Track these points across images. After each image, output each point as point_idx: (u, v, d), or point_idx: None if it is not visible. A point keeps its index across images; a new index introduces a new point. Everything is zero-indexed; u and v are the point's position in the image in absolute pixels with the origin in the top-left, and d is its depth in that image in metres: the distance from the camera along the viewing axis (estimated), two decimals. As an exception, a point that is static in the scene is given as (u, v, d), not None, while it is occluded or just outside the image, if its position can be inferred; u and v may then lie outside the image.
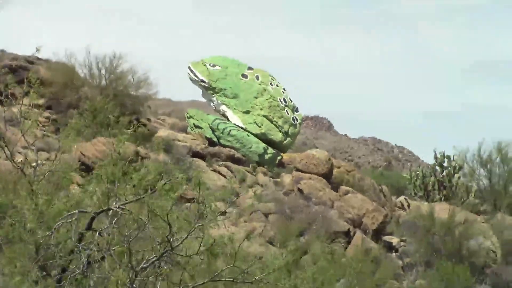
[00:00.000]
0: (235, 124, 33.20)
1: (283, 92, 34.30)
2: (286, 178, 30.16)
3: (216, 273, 9.04)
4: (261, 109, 33.29)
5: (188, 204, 15.44)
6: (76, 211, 8.73)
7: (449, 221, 26.91)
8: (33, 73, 10.12)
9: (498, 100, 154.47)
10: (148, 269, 8.87)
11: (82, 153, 24.69)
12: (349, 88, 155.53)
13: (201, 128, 33.53)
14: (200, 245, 8.73)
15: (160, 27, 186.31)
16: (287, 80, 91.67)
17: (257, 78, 34.19)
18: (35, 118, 9.70)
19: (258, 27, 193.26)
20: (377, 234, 27.81)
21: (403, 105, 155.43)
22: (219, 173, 29.20)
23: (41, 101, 26.10)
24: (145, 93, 34.40)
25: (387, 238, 28.07)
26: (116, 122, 9.87)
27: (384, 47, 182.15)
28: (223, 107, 33.87)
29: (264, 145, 32.59)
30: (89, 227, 8.84)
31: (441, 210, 28.29)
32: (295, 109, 34.44)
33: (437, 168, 37.68)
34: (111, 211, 8.77)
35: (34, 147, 9.85)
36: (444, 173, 37.16)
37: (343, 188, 29.67)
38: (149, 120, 36.08)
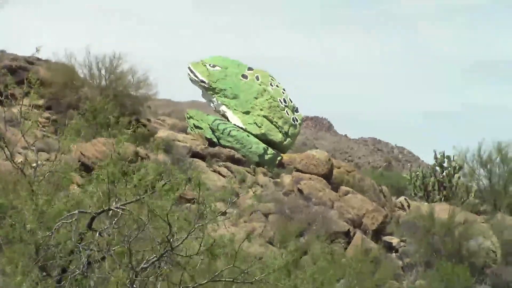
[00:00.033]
0: (235, 125, 33.21)
1: (283, 93, 34.31)
2: (286, 179, 30.16)
3: (216, 274, 9.04)
4: (261, 110, 33.30)
5: (188, 204, 15.46)
6: (76, 211, 8.73)
7: (449, 222, 26.91)
8: (33, 74, 10.12)
9: (498, 100, 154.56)
10: (148, 269, 8.87)
11: (82, 153, 24.70)
12: (349, 88, 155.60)
13: (201, 128, 33.53)
14: (200, 245, 8.73)
15: (160, 27, 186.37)
16: (287, 80, 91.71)
17: (257, 78, 34.19)
18: (35, 119, 9.70)
19: (258, 27, 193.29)
20: (377, 234, 27.81)
21: (403, 105, 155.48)
22: (219, 173, 29.21)
23: (41, 102, 26.10)
24: (145, 94, 34.42)
25: (387, 238, 28.07)
26: (116, 122, 9.87)
27: (384, 47, 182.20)
28: (223, 108, 33.88)
29: (264, 145, 32.59)
30: (89, 228, 8.84)
31: (441, 210, 28.29)
32: (295, 110, 34.45)
33: (437, 168, 37.67)
34: (111, 211, 8.77)
35: (34, 147, 9.85)
36: (444, 173, 37.15)
37: (343, 188, 29.67)
38: (149, 120, 36.09)
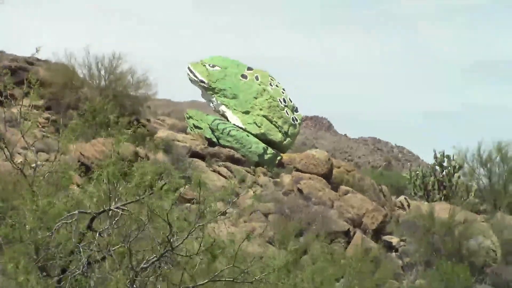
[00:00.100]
0: (234, 125, 33.21)
1: (283, 92, 34.31)
2: (286, 178, 30.16)
3: (216, 273, 9.04)
4: (260, 109, 33.30)
5: (188, 204, 15.46)
6: (76, 211, 8.73)
7: (449, 221, 26.90)
8: (33, 74, 10.11)
9: (498, 100, 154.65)
10: (148, 269, 8.87)
11: (81, 154, 24.70)
12: (349, 88, 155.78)
13: (200, 128, 33.54)
14: (200, 245, 8.73)
15: (160, 27, 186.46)
16: (287, 80, 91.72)
17: (257, 78, 34.20)
18: (34, 119, 9.70)
19: (258, 27, 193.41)
20: (377, 234, 27.81)
21: (403, 105, 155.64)
22: (219, 173, 29.20)
23: (40, 102, 26.10)
24: (144, 94, 34.43)
25: (387, 237, 28.06)
26: (115, 122, 9.87)
27: (384, 47, 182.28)
28: (222, 108, 33.88)
29: (263, 145, 32.59)
30: (89, 228, 8.84)
31: (441, 209, 28.28)
32: (294, 109, 34.46)
33: (437, 167, 37.68)
34: (111, 211, 8.77)
35: (33, 148, 9.85)
36: (444, 172, 37.16)
37: (343, 188, 29.66)
38: (148, 120, 36.09)
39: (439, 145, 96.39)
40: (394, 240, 28.05)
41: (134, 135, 10.31)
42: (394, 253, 27.40)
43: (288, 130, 33.63)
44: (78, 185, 11.60)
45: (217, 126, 32.95)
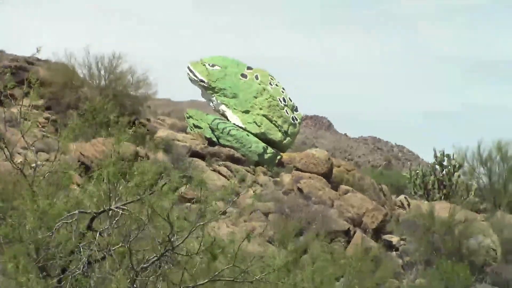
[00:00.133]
0: (234, 124, 33.21)
1: (283, 92, 34.31)
2: (286, 178, 30.16)
3: (216, 273, 9.04)
4: (260, 109, 33.31)
5: (188, 204, 15.47)
6: (76, 211, 8.73)
7: (449, 220, 26.91)
8: (33, 74, 10.11)
9: (498, 100, 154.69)
10: (148, 269, 8.88)
11: (81, 153, 24.72)
12: (349, 88, 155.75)
13: (200, 128, 33.53)
14: (201, 245, 8.73)
15: (160, 27, 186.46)
16: (287, 80, 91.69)
17: (257, 77, 34.20)
18: (35, 119, 9.70)
19: (258, 27, 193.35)
20: (377, 233, 27.81)
21: (403, 105, 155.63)
22: (219, 173, 29.20)
23: (40, 102, 26.11)
24: (144, 93, 34.45)
25: (387, 237, 28.06)
26: (115, 122, 9.87)
27: (384, 47, 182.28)
28: (222, 107, 33.88)
29: (263, 144, 32.59)
30: (89, 227, 8.85)
31: (441, 209, 28.28)
32: (294, 109, 34.45)
33: (437, 167, 37.66)
34: (111, 211, 8.77)
35: (33, 147, 9.85)
36: (444, 172, 37.14)
37: (343, 187, 29.66)
38: (148, 120, 36.10)
39: (439, 144, 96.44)
40: (394, 239, 28.05)
41: (135, 135, 10.31)
42: (394, 252, 27.41)
43: (288, 130, 33.63)
44: (78, 185, 11.60)
45: (217, 126, 32.95)
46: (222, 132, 32.74)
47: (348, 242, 25.81)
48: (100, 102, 29.09)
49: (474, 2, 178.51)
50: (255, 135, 32.85)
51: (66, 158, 11.28)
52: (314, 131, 76.90)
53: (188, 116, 34.78)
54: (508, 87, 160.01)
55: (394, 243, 27.85)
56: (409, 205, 33.00)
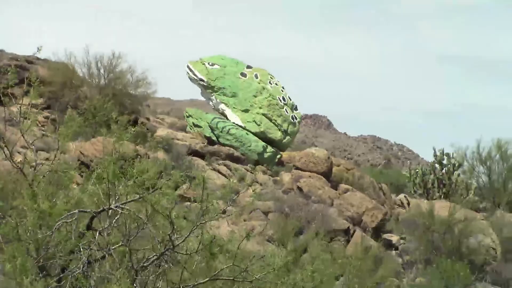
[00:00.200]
0: (234, 123, 33.20)
1: (282, 91, 34.29)
2: (286, 177, 30.15)
3: (216, 273, 9.03)
4: (260, 108, 33.29)
5: (188, 203, 15.46)
6: (76, 210, 8.72)
7: (448, 219, 26.90)
8: (33, 73, 10.10)
9: (498, 100, 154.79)
10: (148, 268, 8.87)
11: (81, 153, 24.71)
12: (349, 88, 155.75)
13: (200, 127, 33.52)
14: (200, 244, 8.72)
15: (160, 27, 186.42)
16: (287, 80, 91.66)
17: (256, 76, 34.18)
18: (34, 118, 9.68)
19: (258, 27, 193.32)
20: (377, 232, 27.81)
21: (403, 104, 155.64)
22: (219, 172, 29.19)
23: (40, 101, 26.10)
24: (144, 92, 34.45)
25: (386, 236, 28.07)
26: (116, 121, 9.85)
27: (384, 47, 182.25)
28: (222, 106, 33.86)
29: (263, 143, 32.58)
30: (89, 227, 8.84)
31: (441, 207, 28.27)
32: (294, 108, 34.43)
33: (437, 165, 37.66)
34: (111, 210, 8.76)
35: (33, 146, 9.83)
36: (444, 170, 37.14)
37: (343, 186, 29.67)
38: (148, 119, 36.08)
39: (438, 144, 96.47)
40: (394, 238, 28.05)
41: (136, 134, 10.29)
42: (394, 251, 27.41)
43: (287, 129, 33.61)
44: (78, 184, 11.59)
45: (216, 125, 32.93)
46: (221, 131, 32.73)
47: (348, 241, 25.81)
48: (99, 101, 29.07)
49: (474, 2, 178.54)
50: (255, 134, 32.84)
51: (66, 157, 11.27)
52: (313, 130, 76.88)
53: (187, 115, 34.77)
54: (508, 86, 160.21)
55: (394, 242, 27.85)
56: (408, 204, 33.00)
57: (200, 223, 8.76)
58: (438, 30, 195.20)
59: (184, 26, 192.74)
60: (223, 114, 33.90)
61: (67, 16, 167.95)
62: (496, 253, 27.21)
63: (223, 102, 33.76)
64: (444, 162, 37.40)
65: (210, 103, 34.73)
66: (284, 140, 33.66)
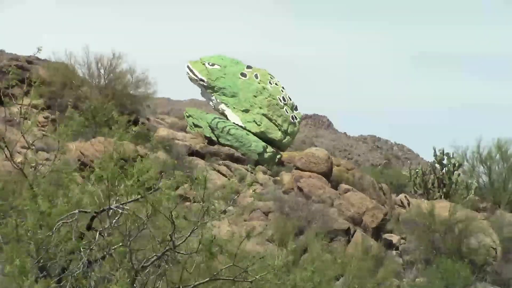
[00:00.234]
0: (234, 123, 33.19)
1: (282, 91, 34.27)
2: (286, 177, 30.14)
3: (216, 273, 9.03)
4: (260, 108, 33.28)
5: (188, 203, 15.46)
6: (76, 211, 8.72)
7: (449, 219, 26.90)
8: (34, 74, 10.11)
9: (498, 100, 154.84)
10: (149, 268, 8.86)
11: (81, 153, 24.71)
12: (348, 87, 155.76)
13: (200, 127, 33.51)
14: (200, 243, 8.71)
15: (160, 27, 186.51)
16: (287, 79, 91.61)
17: (256, 76, 34.17)
18: (35, 119, 9.68)
19: (259, 26, 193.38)
20: (377, 232, 27.80)
21: (403, 104, 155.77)
22: (219, 172, 29.18)
23: (40, 101, 26.07)
24: (144, 92, 34.45)
25: (387, 236, 28.06)
26: (115, 122, 9.82)
27: (384, 46, 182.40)
28: (222, 106, 33.85)
29: (263, 143, 32.57)
30: (89, 227, 8.83)
31: (441, 207, 28.26)
32: (294, 108, 34.42)
33: (437, 165, 37.64)
34: (111, 210, 8.75)
35: (34, 147, 9.83)
36: (444, 170, 37.12)
37: (343, 186, 29.65)
38: (148, 119, 36.08)
39: (439, 144, 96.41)
40: (394, 238, 28.05)
41: (137, 134, 10.29)
42: (394, 251, 27.40)
43: (287, 129, 33.60)
44: (78, 185, 11.57)
45: (216, 125, 32.92)
46: (221, 131, 32.72)
47: (348, 241, 25.79)
48: (98, 101, 29.08)
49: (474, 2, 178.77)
50: (255, 134, 32.83)
51: (66, 157, 11.25)
52: (313, 130, 76.86)
53: (187, 115, 34.76)
54: (508, 82, 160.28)
55: (394, 242, 27.85)
56: (409, 204, 32.99)
57: (202, 223, 8.75)
58: (438, 29, 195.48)
59: (184, 26, 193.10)
60: (223, 114, 33.89)
61: (67, 16, 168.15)
62: (496, 253, 27.21)
63: (223, 102, 33.76)
64: (444, 162, 37.37)
65: (210, 103, 34.72)
66: (284, 140, 33.65)
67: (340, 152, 66.96)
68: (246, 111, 33.34)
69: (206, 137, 32.90)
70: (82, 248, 8.56)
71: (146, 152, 26.69)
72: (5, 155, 9.37)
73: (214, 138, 32.82)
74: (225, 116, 33.70)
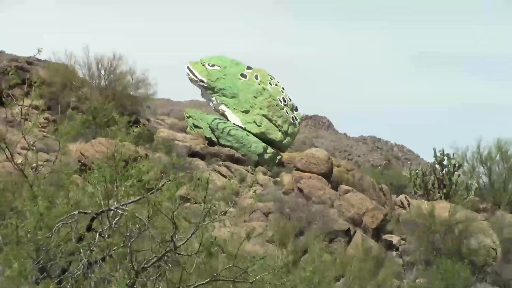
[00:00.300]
0: (234, 124, 33.18)
1: (282, 91, 34.27)
2: (286, 178, 30.13)
3: (216, 274, 9.03)
4: (260, 109, 33.27)
5: (188, 204, 15.46)
6: (76, 212, 8.72)
7: (449, 220, 26.89)
8: (35, 75, 10.12)
9: (498, 100, 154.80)
10: (149, 269, 8.86)
11: (81, 154, 24.71)
12: (348, 87, 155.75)
13: (200, 128, 33.51)
14: (200, 244, 8.71)
15: (160, 27, 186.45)
16: (287, 80, 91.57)
17: (256, 77, 34.17)
18: (36, 120, 9.68)
19: (259, 26, 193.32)
20: (377, 232, 27.80)
21: (403, 104, 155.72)
22: (219, 173, 29.18)
23: (40, 102, 26.05)
24: (144, 93, 34.46)
25: (387, 236, 28.05)
26: (115, 122, 9.85)
27: (384, 46, 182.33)
28: (222, 107, 33.85)
29: (263, 144, 32.57)
30: (89, 228, 8.83)
31: (441, 208, 28.25)
32: (294, 108, 34.42)
33: (437, 166, 37.62)
34: (111, 211, 8.75)
35: (34, 148, 9.83)
36: (444, 171, 37.10)
37: (343, 187, 29.64)
38: (148, 120, 36.08)
39: (439, 144, 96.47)
40: (395, 239, 28.04)
41: (138, 135, 10.29)
42: (394, 252, 27.39)
43: (288, 129, 33.60)
44: (77, 185, 11.57)
45: (217, 126, 32.92)
46: (222, 132, 32.71)
47: (348, 242, 25.77)
48: (100, 102, 29.08)
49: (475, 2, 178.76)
50: (255, 135, 32.83)
51: (66, 158, 11.25)
52: (313, 131, 76.85)
53: (187, 116, 34.76)
54: (508, 82, 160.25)
55: (394, 242, 27.84)
56: (409, 204, 32.98)
57: (204, 224, 8.74)
58: (438, 29, 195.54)
59: (183, 26, 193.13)
60: (223, 115, 33.88)
61: (67, 16, 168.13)
62: (496, 253, 27.20)
63: (223, 103, 33.75)
64: (445, 162, 37.35)
65: (210, 104, 34.72)
66: (285, 141, 33.64)
67: (340, 153, 66.94)
68: (246, 112, 33.34)
69: (206, 138, 32.90)
70: (82, 249, 8.56)
71: (145, 153, 26.69)
72: (6, 156, 9.37)
73: (214, 139, 32.81)
74: (225, 117, 33.69)
